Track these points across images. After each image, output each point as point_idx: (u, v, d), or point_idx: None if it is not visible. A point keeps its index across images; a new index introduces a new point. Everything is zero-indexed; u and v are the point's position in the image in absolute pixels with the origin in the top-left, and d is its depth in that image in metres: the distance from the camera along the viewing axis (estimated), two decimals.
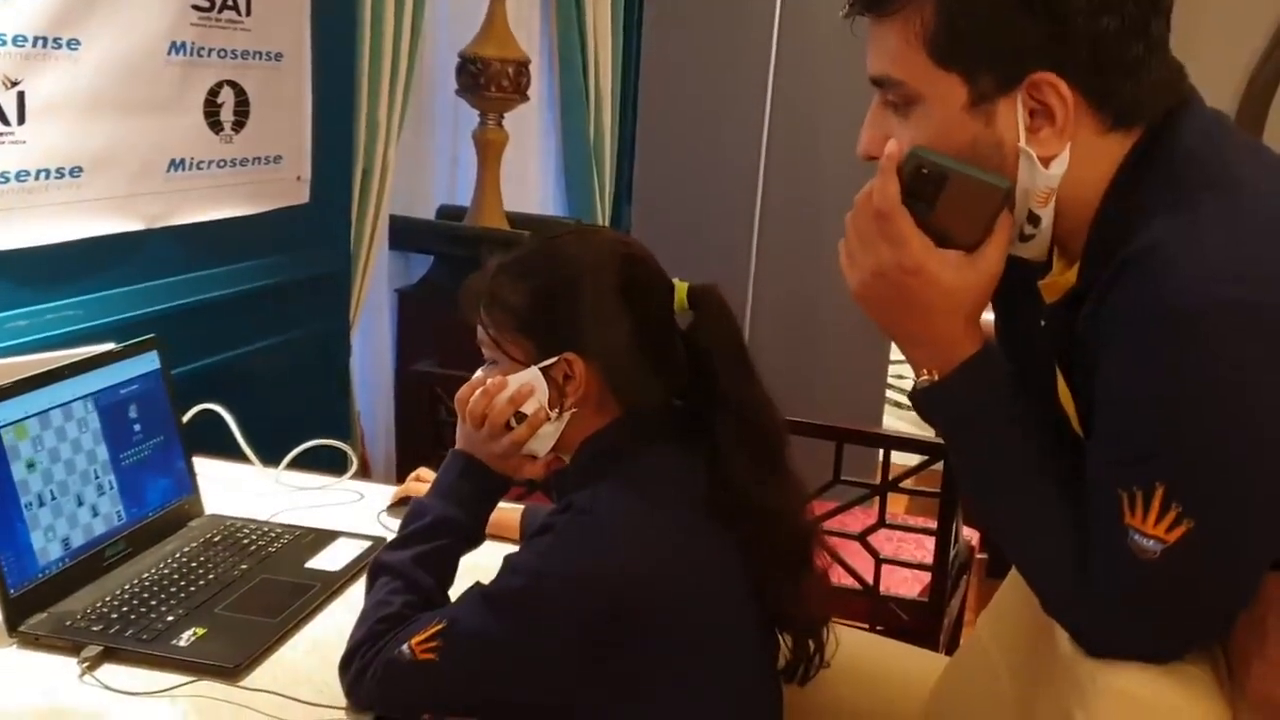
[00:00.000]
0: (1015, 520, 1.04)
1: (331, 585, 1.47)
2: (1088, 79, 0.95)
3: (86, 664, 1.26)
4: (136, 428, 1.56)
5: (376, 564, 1.27)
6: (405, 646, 1.16)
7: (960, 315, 1.02)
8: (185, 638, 1.31)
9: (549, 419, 1.25)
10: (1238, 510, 0.91)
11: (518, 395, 1.25)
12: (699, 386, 1.27)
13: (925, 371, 1.05)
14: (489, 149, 3.23)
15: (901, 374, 5.80)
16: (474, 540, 1.30)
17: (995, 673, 1.32)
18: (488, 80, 3.12)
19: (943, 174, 0.98)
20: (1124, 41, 0.94)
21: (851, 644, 1.48)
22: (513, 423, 1.26)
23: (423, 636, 1.16)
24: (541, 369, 1.24)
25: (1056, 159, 0.97)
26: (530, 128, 3.65)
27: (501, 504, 1.37)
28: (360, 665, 1.19)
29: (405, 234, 3.02)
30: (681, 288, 1.27)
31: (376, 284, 2.82)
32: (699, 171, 3.68)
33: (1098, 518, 0.95)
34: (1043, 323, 1.07)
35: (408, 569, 1.24)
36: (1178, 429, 0.90)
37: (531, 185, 3.74)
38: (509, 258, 1.29)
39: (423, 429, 2.46)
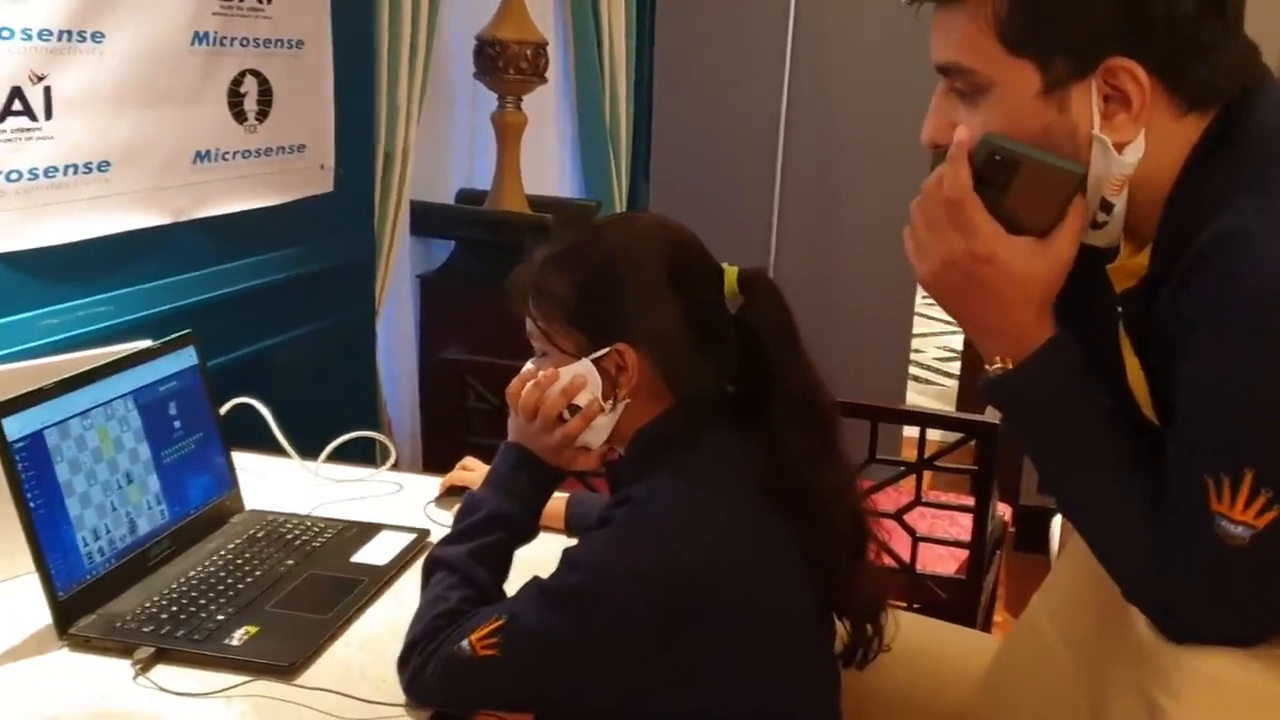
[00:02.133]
0: (1092, 505, 1.03)
1: (380, 579, 1.46)
2: (1164, 63, 0.93)
3: (140, 665, 1.25)
4: (176, 424, 1.55)
5: (432, 559, 1.26)
6: (465, 642, 1.15)
7: (1033, 303, 1.00)
8: (238, 636, 1.30)
9: (603, 410, 1.23)
10: None
11: (570, 387, 1.23)
12: (751, 371, 1.26)
13: (999, 359, 1.03)
14: (508, 131, 3.20)
15: (920, 348, 5.79)
16: (529, 534, 1.28)
17: (1054, 655, 1.30)
18: (506, 62, 3.09)
19: (1015, 160, 0.96)
20: (1200, 24, 0.92)
21: (901, 626, 1.47)
22: (566, 415, 1.24)
23: (483, 632, 1.14)
24: (593, 360, 1.22)
25: (1131, 145, 0.95)
26: (547, 109, 3.63)
27: None
28: (420, 661, 1.18)
29: (426, 219, 3.00)
30: (731, 272, 1.25)
31: (399, 270, 2.81)
32: (716, 150, 3.66)
33: (1182, 504, 0.94)
34: (1119, 309, 1.05)
35: (464, 564, 1.22)
36: (1266, 415, 0.88)
37: (549, 167, 3.72)
38: (555, 249, 1.27)
39: (450, 417, 2.43)
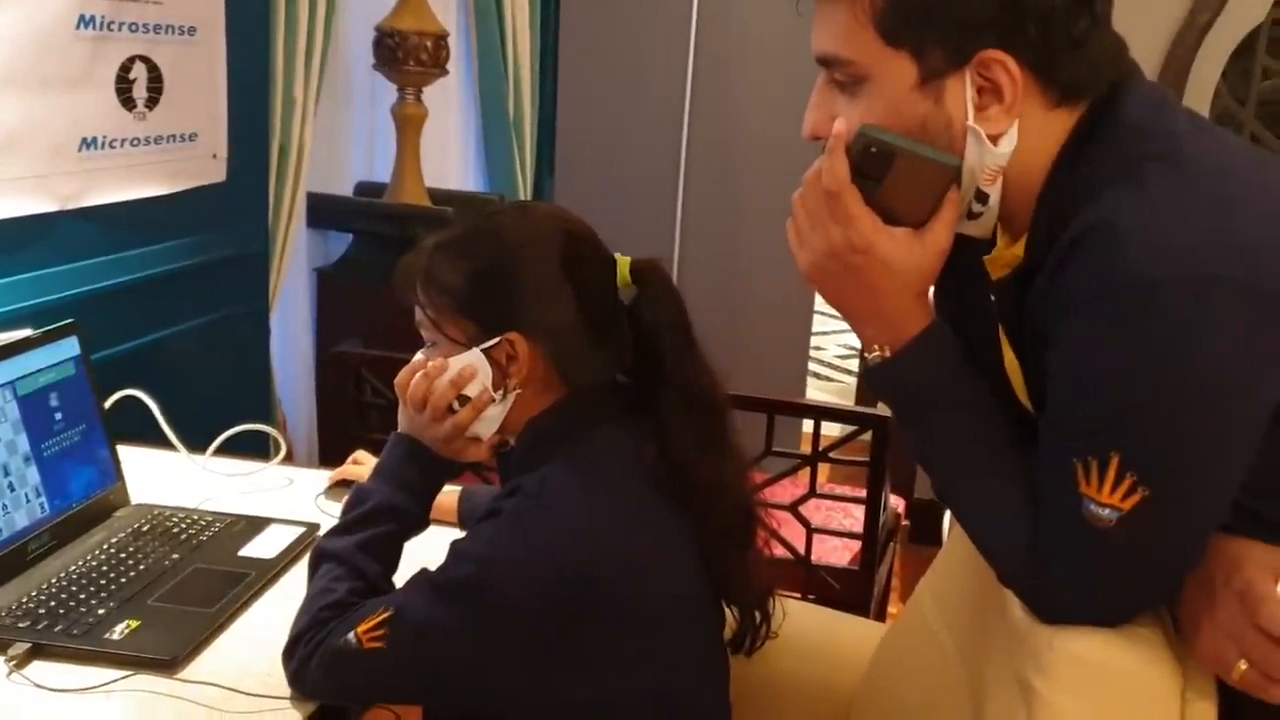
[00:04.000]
0: (966, 490, 1.06)
1: (267, 573, 1.44)
2: (1036, 56, 0.96)
3: (14, 662, 1.22)
4: (57, 416, 1.51)
5: (319, 551, 1.25)
6: (351, 635, 1.14)
7: (909, 292, 1.03)
8: (118, 631, 1.28)
9: (493, 401, 1.23)
10: (1192, 479, 0.93)
11: (460, 378, 1.23)
12: (643, 362, 1.27)
13: (877, 348, 1.05)
14: (408, 124, 3.17)
15: (820, 345, 5.88)
16: (419, 525, 1.28)
17: (937, 640, 1.34)
18: (406, 54, 3.06)
19: (891, 153, 0.99)
20: (1071, 17, 0.95)
21: (791, 615, 1.49)
22: (456, 406, 1.24)
23: (369, 625, 1.14)
24: (483, 350, 1.22)
25: (1005, 136, 0.98)
26: (450, 102, 3.60)
27: None
28: (305, 653, 1.16)
29: (323, 211, 2.96)
30: (624, 263, 1.26)
31: (295, 263, 2.75)
32: (620, 144, 3.68)
33: (1051, 487, 0.97)
34: (992, 298, 1.08)
35: (351, 555, 1.22)
36: (1132, 400, 0.91)
37: (452, 160, 3.68)
38: (446, 236, 1.26)
39: (346, 411, 2.41)
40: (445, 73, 3.21)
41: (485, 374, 1.22)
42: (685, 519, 1.23)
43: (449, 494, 1.60)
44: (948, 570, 1.38)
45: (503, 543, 1.14)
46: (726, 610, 1.35)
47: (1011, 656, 1.06)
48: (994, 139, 0.98)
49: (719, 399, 1.28)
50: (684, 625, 1.24)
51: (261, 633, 1.32)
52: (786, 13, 1.05)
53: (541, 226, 1.26)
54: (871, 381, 1.08)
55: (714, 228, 3.66)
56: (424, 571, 1.17)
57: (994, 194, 1.00)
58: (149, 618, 1.31)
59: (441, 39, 3.14)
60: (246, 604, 1.37)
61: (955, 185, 1.00)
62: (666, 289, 1.27)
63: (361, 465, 1.71)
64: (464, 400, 1.23)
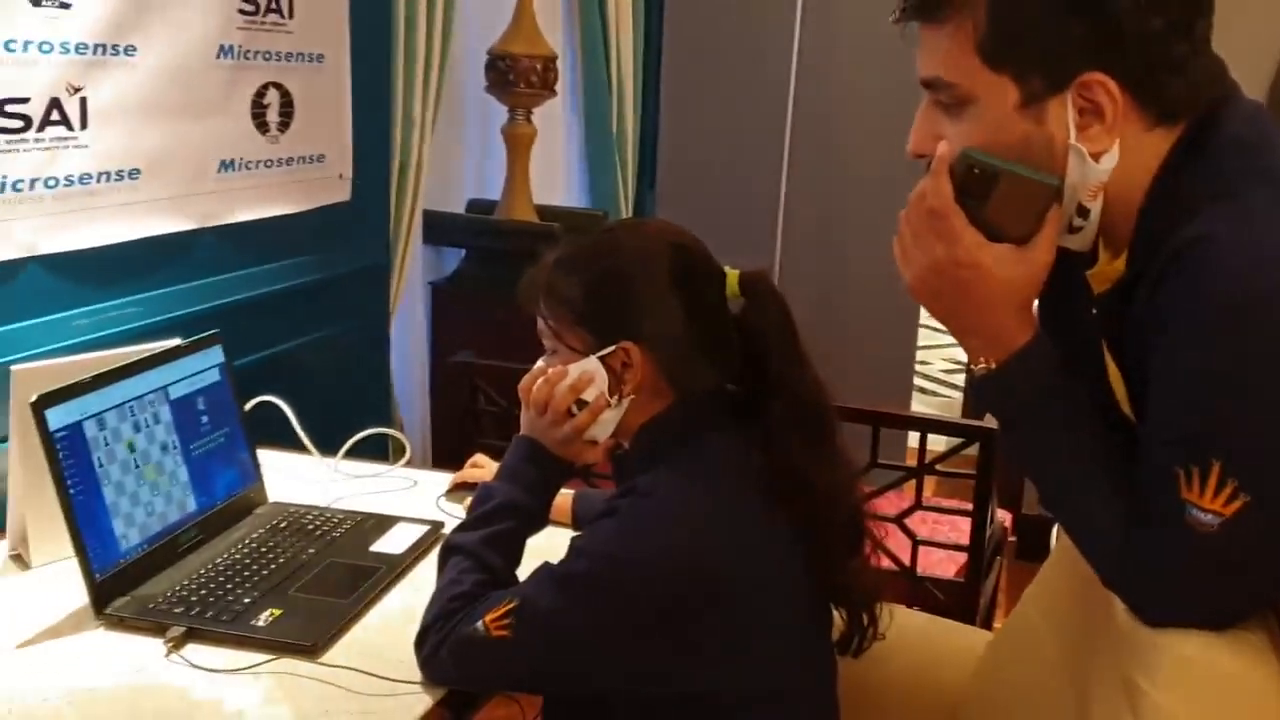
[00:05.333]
0: (1071, 498, 1.08)
1: (396, 567, 1.52)
2: (1135, 77, 0.99)
3: (172, 644, 1.32)
4: (204, 419, 1.62)
5: (447, 545, 1.32)
6: (479, 623, 1.21)
7: (1013, 306, 1.07)
8: (263, 618, 1.37)
9: (609, 405, 1.30)
10: None
11: (578, 383, 1.30)
12: (752, 371, 1.32)
13: (982, 360, 1.09)
14: (518, 143, 3.28)
15: (926, 359, 5.84)
16: (539, 523, 1.35)
17: (1042, 643, 1.36)
18: (516, 76, 3.16)
19: (994, 173, 1.03)
20: (1170, 40, 0.98)
21: (899, 619, 1.52)
22: (574, 410, 1.31)
23: (496, 614, 1.21)
24: (600, 358, 1.29)
25: (1106, 154, 1.01)
26: (555, 119, 3.69)
27: None
28: (435, 641, 1.24)
29: (438, 228, 3.08)
30: (733, 275, 1.32)
31: (412, 277, 2.87)
32: (721, 158, 3.70)
33: (1154, 492, 1.00)
34: (1094, 311, 1.11)
35: (478, 549, 1.29)
36: (1231, 409, 0.94)
37: (557, 177, 3.78)
38: (564, 252, 1.34)
39: (459, 418, 2.49)
40: (554, 94, 3.30)
41: (601, 380, 1.29)
42: (792, 523, 1.28)
43: (564, 496, 1.67)
44: (1054, 576, 1.40)
45: (618, 539, 1.21)
46: (835, 612, 1.39)
47: (1117, 658, 1.08)
48: (1095, 157, 1.01)
49: (825, 408, 1.32)
50: (791, 623, 1.29)
51: (394, 622, 1.40)
52: (888, 30, 1.09)
53: (653, 241, 1.33)
54: (978, 391, 1.12)
55: (815, 241, 3.67)
56: (546, 565, 1.24)
57: (1095, 209, 1.04)
58: (290, 606, 1.40)
59: (550, 61, 3.24)
60: (379, 595, 1.46)
61: (1056, 203, 1.04)
62: (773, 299, 1.32)
63: (480, 469, 1.79)
64: (582, 405, 1.30)
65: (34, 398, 1.34)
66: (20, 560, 1.54)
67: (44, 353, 1.70)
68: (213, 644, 1.33)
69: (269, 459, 1.79)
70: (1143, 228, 1.02)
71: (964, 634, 1.72)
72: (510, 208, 3.27)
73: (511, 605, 1.21)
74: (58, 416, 1.37)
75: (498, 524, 1.31)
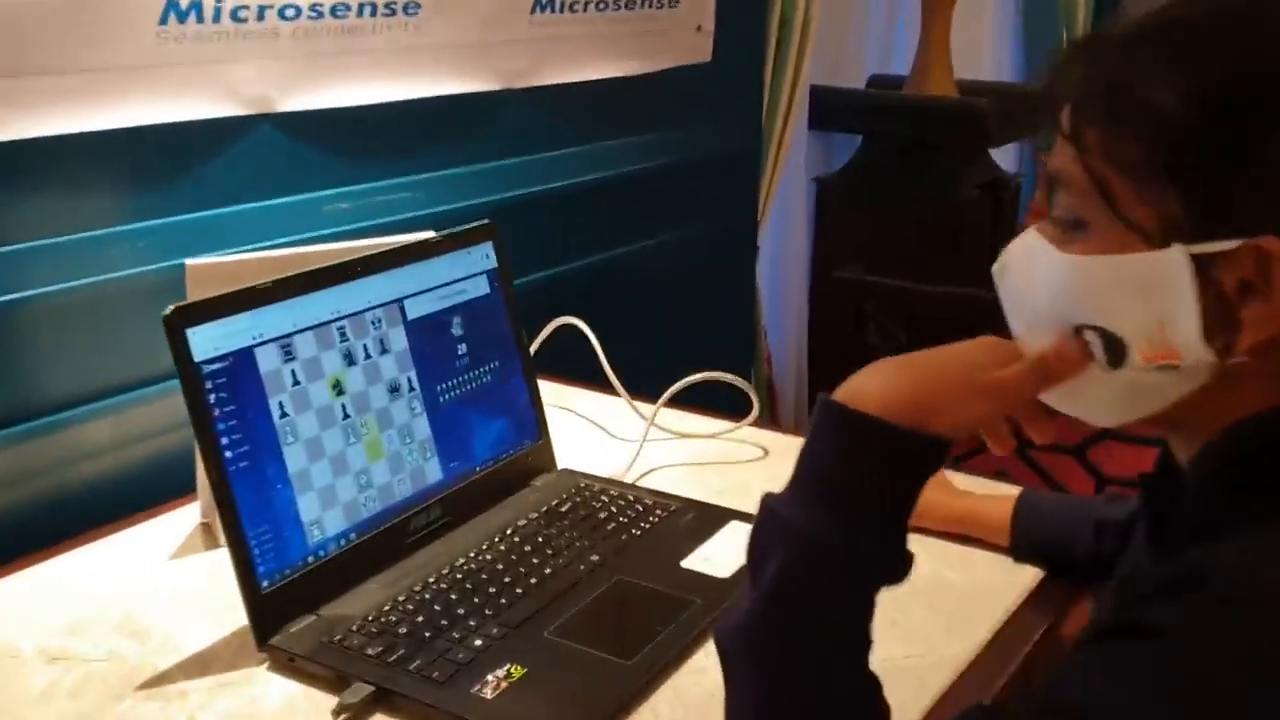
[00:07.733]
0: None
1: (716, 604, 0.96)
2: None
3: (346, 715, 0.83)
4: (460, 349, 1.12)
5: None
6: None
7: None
8: (492, 681, 0.86)
9: (1176, 360, 0.64)
10: None
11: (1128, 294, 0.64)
12: None
13: None
14: (936, 5, 2.77)
15: None
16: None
17: None
18: None
19: None
20: None
21: None
22: (1089, 339, 0.66)
23: None
24: (1195, 255, 0.62)
25: None
26: None
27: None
28: None
29: (828, 109, 2.64)
30: None
31: (791, 169, 2.40)
32: None
33: None
34: None
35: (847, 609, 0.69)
36: None
37: (982, 50, 3.26)
38: (1151, 22, 0.66)
39: (844, 354, 2.03)
40: None
41: (1187, 302, 0.63)
42: None
43: (988, 495, 1.06)
44: None
45: (1164, 696, 0.56)
46: None
47: None
48: None
49: None
50: None
51: (697, 706, 0.84)
52: None
53: None
54: None
55: None
56: (978, 707, 0.62)
57: None
58: (539, 663, 0.88)
59: None
60: (683, 654, 0.91)
61: None
62: None
63: None
64: (1112, 342, 0.65)
65: (169, 310, 0.88)
66: (209, 531, 1.12)
67: (271, 246, 1.26)
68: (406, 718, 0.84)
69: (559, 401, 1.30)
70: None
71: None
72: (923, 82, 2.77)
73: None
74: (209, 339, 0.90)
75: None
